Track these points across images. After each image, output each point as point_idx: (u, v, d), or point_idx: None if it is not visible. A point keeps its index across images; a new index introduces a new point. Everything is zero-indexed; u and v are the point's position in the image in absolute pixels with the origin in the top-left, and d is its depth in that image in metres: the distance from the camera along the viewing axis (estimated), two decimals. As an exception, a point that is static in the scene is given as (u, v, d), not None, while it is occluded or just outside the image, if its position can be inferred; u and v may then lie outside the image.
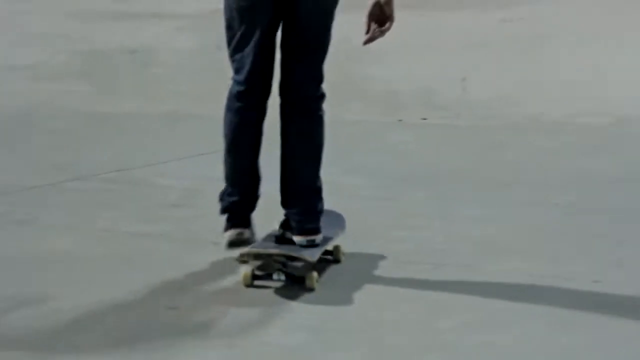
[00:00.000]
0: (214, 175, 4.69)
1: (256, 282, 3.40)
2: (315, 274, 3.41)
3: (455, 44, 8.84)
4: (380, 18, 3.46)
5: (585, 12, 9.38)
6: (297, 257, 3.39)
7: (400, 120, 7.75)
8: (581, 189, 5.11)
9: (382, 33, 3.48)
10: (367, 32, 3.48)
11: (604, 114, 7.46)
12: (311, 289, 3.34)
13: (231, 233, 3.45)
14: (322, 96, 3.55)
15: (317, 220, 3.51)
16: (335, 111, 7.89)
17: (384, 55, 8.85)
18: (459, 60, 8.46)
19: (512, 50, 8.83)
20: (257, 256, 3.46)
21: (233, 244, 3.43)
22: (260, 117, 3.47)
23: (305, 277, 3.39)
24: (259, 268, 3.46)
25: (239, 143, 3.45)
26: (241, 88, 3.45)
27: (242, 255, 3.44)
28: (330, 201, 3.74)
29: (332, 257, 3.67)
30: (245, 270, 3.44)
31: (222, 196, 3.56)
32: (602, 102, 7.67)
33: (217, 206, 3.56)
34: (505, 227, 4.20)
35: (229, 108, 3.48)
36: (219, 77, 8.36)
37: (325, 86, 3.54)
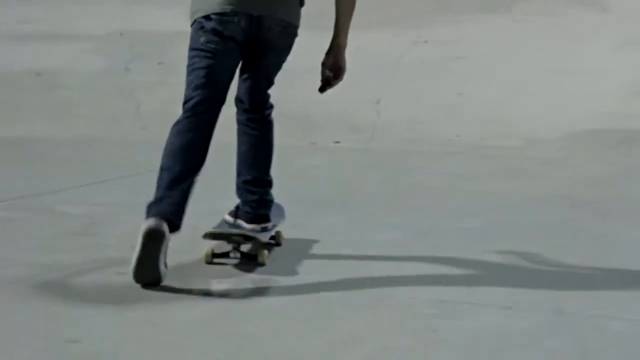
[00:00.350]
0: (119, 201, 4.61)
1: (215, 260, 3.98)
2: (266, 252, 4.03)
3: (369, 65, 8.93)
4: (334, 67, 4.04)
5: (499, 36, 9.59)
6: (252, 237, 4.01)
7: (313, 144, 7.77)
8: (494, 212, 5.18)
9: (335, 81, 4.05)
10: (322, 79, 4.04)
11: (516, 136, 7.61)
12: (262, 264, 3.95)
13: (151, 221, 3.60)
14: (271, 106, 4.21)
15: (269, 209, 4.18)
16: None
17: (296, 77, 8.90)
18: (373, 82, 8.55)
19: (427, 72, 8.95)
20: (217, 236, 4.00)
21: (151, 232, 3.57)
22: (210, 132, 3.86)
23: (257, 254, 4.00)
24: (217, 247, 4.01)
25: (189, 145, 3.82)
26: (197, 98, 3.86)
27: (205, 234, 3.96)
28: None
29: (274, 241, 4.33)
30: (206, 249, 3.98)
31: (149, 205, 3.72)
32: (515, 124, 7.82)
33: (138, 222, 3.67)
34: (418, 252, 4.22)
35: (178, 122, 3.85)
36: (126, 100, 8.36)
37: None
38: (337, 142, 7.79)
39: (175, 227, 3.65)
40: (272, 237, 4.28)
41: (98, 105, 8.40)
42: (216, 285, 3.69)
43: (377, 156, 7.25)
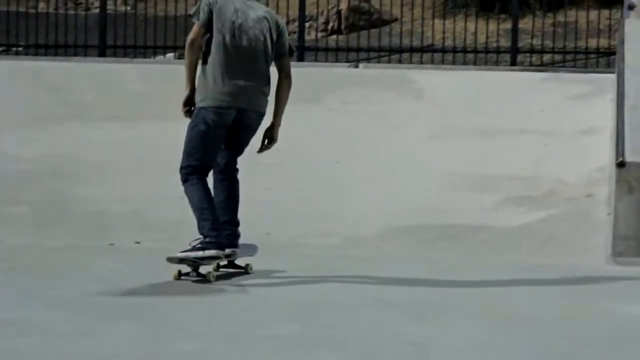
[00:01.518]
0: None
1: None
2: (213, 272, 6.05)
3: (168, 158, 8.85)
4: (273, 138, 6.49)
5: (313, 125, 9.72)
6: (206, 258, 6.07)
7: (111, 245, 7.58)
8: (308, 317, 5.13)
9: (269, 147, 6.51)
10: (262, 145, 6.48)
11: (333, 234, 7.65)
12: (210, 281, 5.98)
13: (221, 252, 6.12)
14: (238, 169, 6.47)
15: (238, 239, 6.37)
16: (36, 236, 7.65)
17: (91, 172, 8.72)
18: (175, 176, 8.45)
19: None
20: (180, 260, 6.08)
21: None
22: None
23: (206, 274, 6.05)
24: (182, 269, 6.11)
25: (207, 195, 6.23)
26: (201, 172, 6.22)
27: (169, 259, 6.06)
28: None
29: (244, 270, 6.41)
30: (174, 271, 6.12)
31: (205, 238, 6.08)
32: (332, 221, 7.87)
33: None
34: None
35: (197, 183, 6.22)
36: None
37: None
38: (138, 243, 7.62)
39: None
40: (242, 267, 6.44)
41: None
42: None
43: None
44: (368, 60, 13.44)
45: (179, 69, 8.27)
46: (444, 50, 13.24)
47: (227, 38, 6.26)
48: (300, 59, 13.48)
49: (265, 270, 6.53)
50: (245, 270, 6.42)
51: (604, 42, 13.08)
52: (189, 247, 6.05)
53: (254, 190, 8.33)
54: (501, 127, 9.34)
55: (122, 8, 14.34)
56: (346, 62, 13.11)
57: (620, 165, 6.94)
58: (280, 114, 6.41)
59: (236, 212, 6.37)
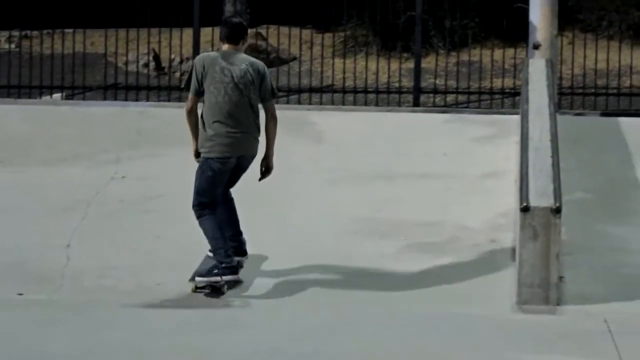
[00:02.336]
0: None
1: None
2: (193, 286, 7.49)
3: (57, 204, 8.72)
4: (269, 167, 7.88)
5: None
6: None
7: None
8: None
9: (267, 175, 7.90)
10: (261, 175, 7.86)
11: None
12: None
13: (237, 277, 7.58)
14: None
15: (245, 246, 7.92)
16: None
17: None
18: (61, 223, 8.34)
19: (124, 210, 8.86)
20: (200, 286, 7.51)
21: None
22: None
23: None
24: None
25: (219, 227, 7.64)
26: (211, 207, 7.63)
27: (191, 280, 7.51)
28: None
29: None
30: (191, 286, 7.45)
31: (221, 264, 7.47)
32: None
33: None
34: None
35: (208, 218, 7.60)
36: None
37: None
38: (20, 295, 7.47)
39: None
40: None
41: None
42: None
43: (63, 309, 6.99)
44: (266, 100, 13.46)
45: (67, 111, 8.22)
46: (344, 91, 13.34)
47: (220, 97, 7.58)
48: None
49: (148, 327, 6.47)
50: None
51: (509, 82, 13.35)
52: (206, 271, 7.52)
53: (142, 238, 8.28)
54: (403, 170, 9.44)
55: (6, 46, 14.15)
56: (243, 102, 13.11)
57: (525, 210, 7.05)
58: (271, 146, 7.84)
59: (238, 224, 7.88)
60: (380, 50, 14.64)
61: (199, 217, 7.64)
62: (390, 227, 8.28)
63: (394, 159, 9.73)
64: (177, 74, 15.41)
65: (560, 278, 7.15)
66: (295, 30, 13.75)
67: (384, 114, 11.49)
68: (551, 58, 10.75)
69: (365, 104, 12.81)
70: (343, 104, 13.03)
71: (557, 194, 7.15)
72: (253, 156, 7.78)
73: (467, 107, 12.73)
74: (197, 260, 7.65)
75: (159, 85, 14.03)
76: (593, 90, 13.31)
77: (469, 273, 7.50)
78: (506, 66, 13.32)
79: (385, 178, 9.32)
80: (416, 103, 12.85)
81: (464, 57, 14.24)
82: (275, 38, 14.38)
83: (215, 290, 7.40)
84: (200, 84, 7.62)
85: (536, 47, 10.83)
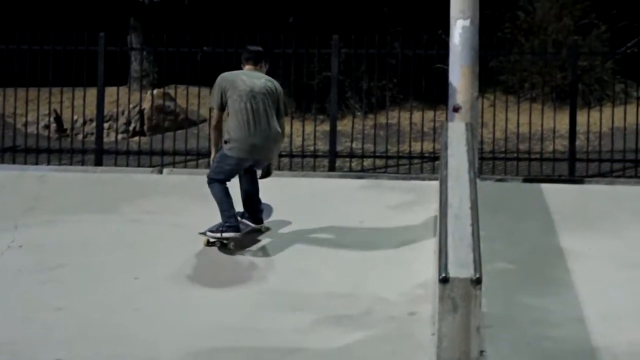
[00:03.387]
0: None
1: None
2: (205, 240, 9.34)
3: None
4: (267, 173, 9.71)
5: (110, 237, 9.58)
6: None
7: None
8: None
9: (265, 177, 9.67)
10: (261, 176, 9.62)
11: (132, 357, 7.48)
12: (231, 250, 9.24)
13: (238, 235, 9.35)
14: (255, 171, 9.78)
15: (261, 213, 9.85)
16: None
17: None
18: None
19: (23, 281, 8.70)
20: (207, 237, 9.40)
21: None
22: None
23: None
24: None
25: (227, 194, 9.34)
26: (221, 179, 9.38)
27: (200, 233, 9.34)
28: None
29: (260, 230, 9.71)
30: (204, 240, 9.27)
31: (225, 223, 9.27)
32: (131, 344, 7.69)
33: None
34: None
35: (219, 185, 9.34)
36: None
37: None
38: None
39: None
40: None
41: None
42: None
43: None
44: (174, 165, 13.43)
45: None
46: (256, 154, 13.37)
47: (242, 104, 9.27)
48: (98, 163, 13.39)
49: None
50: (260, 230, 9.77)
51: (428, 146, 13.50)
52: (215, 228, 9.29)
53: (40, 310, 8.13)
54: (317, 239, 9.45)
55: None
56: (149, 166, 13.08)
57: (444, 281, 7.05)
58: (275, 156, 10.01)
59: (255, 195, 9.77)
60: (295, 111, 14.73)
61: (209, 183, 9.39)
62: (303, 300, 8.24)
63: (309, 227, 9.74)
64: (80, 136, 15.31)
65: (481, 352, 7.15)
66: (206, 90, 13.75)
67: (297, 179, 11.51)
68: (471, 121, 10.89)
69: (279, 168, 12.84)
70: (254, 168, 13.06)
71: (478, 264, 7.17)
72: (270, 159, 9.63)
73: (385, 172, 12.84)
74: (100, 332, 7.53)
75: (61, 148, 13.94)
76: (515, 155, 13.56)
77: (385, 347, 7.47)
78: (425, 129, 13.48)
79: (298, 247, 9.30)
80: (332, 167, 12.94)
81: (382, 119, 14.40)
82: (185, 98, 14.38)
83: (223, 245, 9.33)
84: (223, 97, 9.33)
85: (456, 109, 10.96)
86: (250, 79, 9.39)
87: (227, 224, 9.24)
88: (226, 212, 9.26)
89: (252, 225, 9.65)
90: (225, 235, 9.24)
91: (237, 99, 9.24)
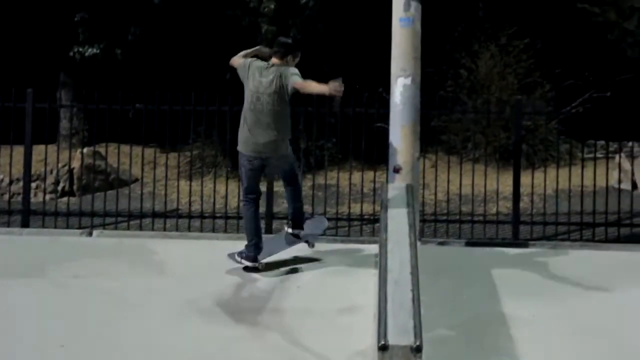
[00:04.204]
0: None
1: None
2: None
3: None
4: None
5: (37, 309, 9.45)
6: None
7: None
8: None
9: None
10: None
11: None
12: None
13: (260, 264, 10.35)
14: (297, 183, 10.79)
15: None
16: None
17: None
18: None
19: None
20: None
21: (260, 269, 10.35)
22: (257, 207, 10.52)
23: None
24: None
25: (251, 218, 10.35)
26: (253, 197, 10.34)
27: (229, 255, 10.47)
28: None
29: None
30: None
31: (248, 250, 10.31)
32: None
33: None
34: None
35: (248, 208, 10.35)
36: None
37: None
38: None
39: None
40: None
41: None
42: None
43: None
44: (104, 226, 13.35)
45: None
46: (190, 216, 13.33)
47: (247, 104, 10.18)
48: (25, 224, 13.26)
49: None
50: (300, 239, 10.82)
51: (368, 208, 13.53)
52: (238, 252, 10.38)
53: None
54: (252, 306, 9.40)
55: None
56: (78, 228, 12.99)
57: (383, 348, 7.03)
58: (317, 86, 9.82)
59: (294, 202, 10.63)
60: (230, 172, 14.72)
61: (243, 204, 10.52)
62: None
63: (244, 292, 9.69)
64: (6, 196, 15.17)
65: (422, 422, 7.14)
66: (138, 149, 13.72)
67: (233, 242, 11.47)
68: (412, 182, 10.93)
69: (213, 230, 12.81)
70: (189, 230, 13.01)
71: (418, 331, 7.17)
72: (281, 156, 10.20)
73: (323, 235, 12.83)
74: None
75: (-16, 209, 13.79)
76: (457, 217, 13.62)
77: (324, 419, 7.44)
78: (365, 190, 13.56)
79: (232, 314, 9.24)
80: (269, 230, 12.90)
81: (321, 180, 14.42)
82: (116, 157, 14.30)
83: (249, 269, 10.26)
84: (243, 75, 10.28)
85: (397, 170, 11.00)
86: (260, 77, 10.17)
87: (245, 252, 10.29)
88: (247, 238, 10.30)
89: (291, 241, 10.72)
90: (243, 262, 10.24)
91: (247, 98, 10.24)
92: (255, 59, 10.42)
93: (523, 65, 19.32)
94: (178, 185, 13.69)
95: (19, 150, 13.62)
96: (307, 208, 13.14)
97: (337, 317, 9.15)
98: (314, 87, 9.80)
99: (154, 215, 13.35)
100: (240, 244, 11.36)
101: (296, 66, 10.27)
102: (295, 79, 9.95)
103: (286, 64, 10.18)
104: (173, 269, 10.39)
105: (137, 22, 17.80)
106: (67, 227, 13.22)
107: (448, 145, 16.28)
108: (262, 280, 10.16)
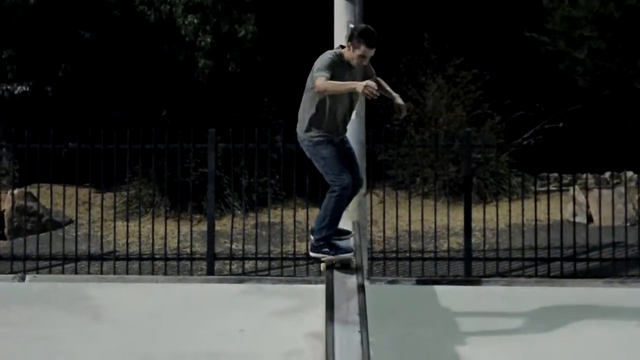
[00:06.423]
0: None
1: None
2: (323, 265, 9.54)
3: None
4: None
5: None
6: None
7: None
8: None
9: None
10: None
11: None
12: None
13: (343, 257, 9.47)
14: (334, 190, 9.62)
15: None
16: None
17: None
18: None
19: None
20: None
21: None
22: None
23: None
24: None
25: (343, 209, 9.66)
26: (347, 185, 9.46)
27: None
28: None
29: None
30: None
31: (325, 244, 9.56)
32: None
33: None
34: None
35: (342, 196, 9.43)
36: None
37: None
38: None
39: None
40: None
41: None
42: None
43: None
44: (37, 270, 13.22)
45: None
46: (128, 258, 13.25)
47: None
48: (-50, 271, 13.08)
49: None
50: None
51: (314, 247, 13.52)
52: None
53: None
54: (193, 351, 9.31)
55: None
56: (10, 273, 12.86)
57: (331, 393, 7.04)
58: (343, 85, 9.30)
59: (319, 220, 9.66)
60: (169, 211, 14.68)
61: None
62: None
63: (185, 337, 9.61)
64: None
65: None
66: (71, 189, 13.64)
67: (173, 285, 11.41)
68: (359, 219, 10.94)
69: (153, 272, 12.76)
70: (127, 273, 12.94)
71: (367, 374, 7.18)
72: (302, 140, 9.90)
73: (267, 275, 12.82)
74: None
75: None
76: (407, 255, 13.65)
77: None
78: (310, 228, 13.52)
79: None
80: (210, 271, 12.87)
81: (264, 218, 14.40)
82: (48, 198, 14.19)
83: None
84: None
85: (342, 207, 11.00)
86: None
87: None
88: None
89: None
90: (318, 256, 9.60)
91: None
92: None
93: (471, 96, 19.44)
94: (115, 226, 13.59)
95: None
96: (250, 247, 13.12)
97: (283, 361, 9.11)
98: (328, 85, 9.18)
99: (90, 257, 13.25)
100: (181, 287, 11.33)
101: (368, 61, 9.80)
102: (312, 75, 9.33)
103: (348, 52, 9.39)
104: (111, 314, 10.27)
105: (68, 58, 17.70)
106: (-2, 272, 13.07)
107: (396, 181, 16.29)
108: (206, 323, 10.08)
